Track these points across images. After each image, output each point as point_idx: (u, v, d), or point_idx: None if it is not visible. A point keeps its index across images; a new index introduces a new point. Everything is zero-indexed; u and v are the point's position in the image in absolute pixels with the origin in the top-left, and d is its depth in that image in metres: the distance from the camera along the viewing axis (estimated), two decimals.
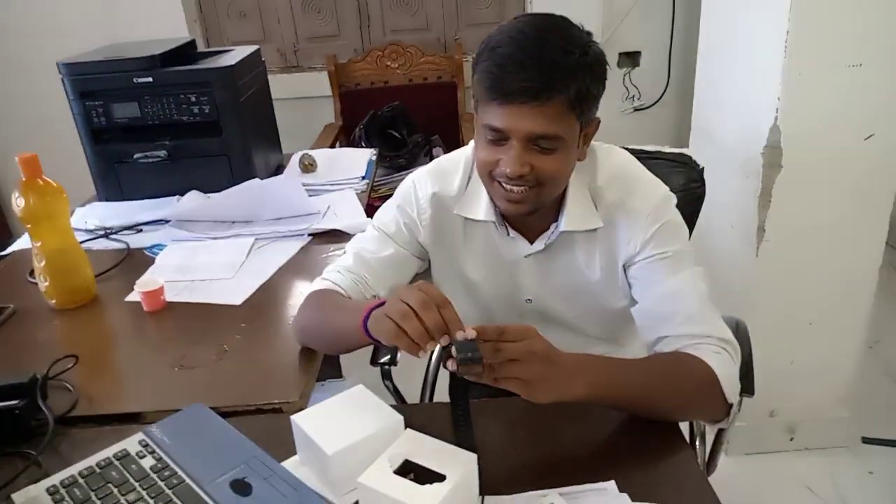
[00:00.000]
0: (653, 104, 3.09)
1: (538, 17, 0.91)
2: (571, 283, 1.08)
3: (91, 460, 0.84)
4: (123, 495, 0.79)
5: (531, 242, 1.06)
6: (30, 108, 2.91)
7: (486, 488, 0.79)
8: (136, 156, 1.67)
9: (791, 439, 1.97)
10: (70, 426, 0.96)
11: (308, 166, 1.90)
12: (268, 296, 1.30)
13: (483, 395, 0.94)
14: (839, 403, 1.95)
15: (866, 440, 1.98)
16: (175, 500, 0.78)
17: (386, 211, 1.13)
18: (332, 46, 3.01)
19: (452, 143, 2.91)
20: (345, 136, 2.89)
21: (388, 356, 1.30)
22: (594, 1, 2.81)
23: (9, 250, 1.56)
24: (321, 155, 1.97)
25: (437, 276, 1.17)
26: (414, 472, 0.77)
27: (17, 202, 1.20)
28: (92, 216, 1.65)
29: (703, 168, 1.39)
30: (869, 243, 1.79)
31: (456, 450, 0.78)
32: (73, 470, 0.83)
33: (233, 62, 1.69)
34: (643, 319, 1.02)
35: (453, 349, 0.76)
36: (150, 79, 1.64)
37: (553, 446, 0.88)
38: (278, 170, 1.95)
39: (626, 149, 1.12)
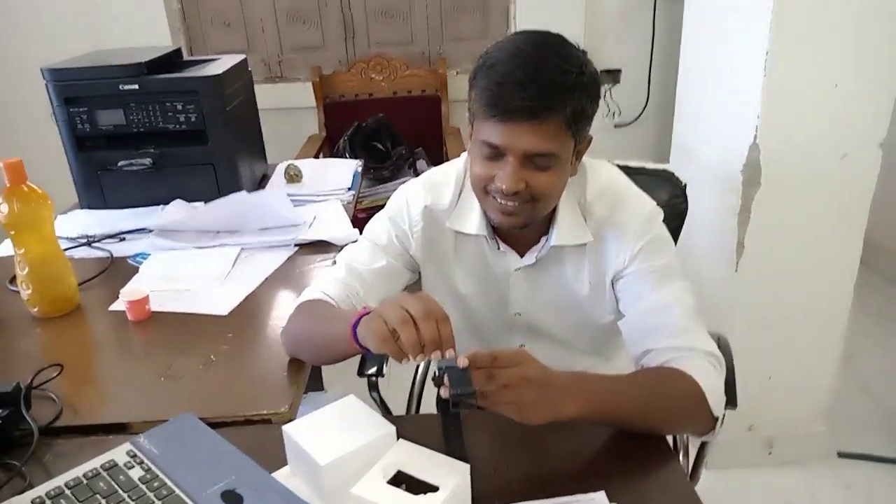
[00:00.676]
0: (633, 121, 3.14)
1: (535, 35, 0.93)
2: (560, 297, 1.09)
3: (78, 471, 0.83)
4: None
5: (521, 256, 1.07)
6: (11, 115, 2.87)
7: (478, 499, 0.79)
8: (120, 163, 1.66)
9: (769, 453, 2.00)
10: (55, 437, 0.94)
11: (293, 177, 1.89)
12: (254, 306, 1.29)
13: (472, 407, 0.94)
14: (816, 418, 1.99)
15: (842, 454, 2.01)
16: None
17: (378, 223, 1.13)
18: (316, 58, 3.02)
19: (436, 156, 2.93)
20: (329, 147, 2.90)
21: (375, 368, 1.29)
22: (576, 18, 2.86)
23: None
24: (307, 166, 1.97)
25: (427, 289, 1.18)
26: (407, 482, 0.77)
27: (1, 209, 1.19)
28: (75, 224, 1.63)
29: (685, 185, 1.42)
30: (845, 260, 1.83)
31: (449, 460, 0.78)
32: (60, 481, 0.82)
33: (220, 71, 1.69)
34: (630, 332, 1.03)
35: (446, 378, 0.76)
36: (136, 86, 1.63)
37: (543, 457, 0.88)
38: (263, 180, 1.94)
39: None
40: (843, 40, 1.60)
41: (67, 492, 0.80)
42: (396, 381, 1.40)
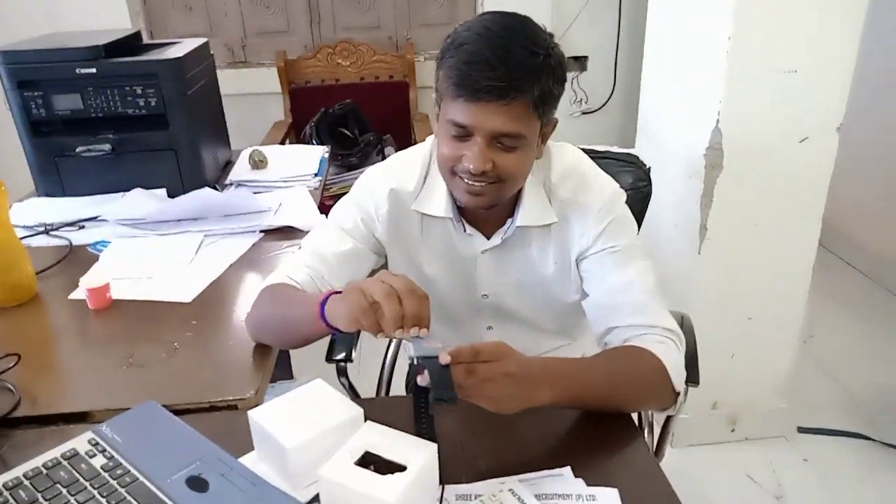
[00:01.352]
0: (599, 108, 3.17)
1: (504, 16, 0.93)
2: (526, 278, 1.10)
3: (37, 461, 0.81)
4: (73, 495, 0.77)
5: (487, 238, 1.08)
6: None
7: (446, 478, 0.80)
8: (78, 149, 1.61)
9: (732, 430, 2.05)
10: (12, 427, 0.92)
11: (258, 163, 1.87)
12: (219, 293, 1.28)
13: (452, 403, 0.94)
14: (777, 395, 2.04)
15: (802, 430, 2.08)
16: (129, 498, 0.76)
17: (343, 207, 1.12)
18: (281, 42, 2.98)
19: (404, 142, 2.92)
20: (295, 133, 2.86)
21: (344, 353, 1.29)
22: (543, 5, 2.86)
23: None
24: (272, 151, 1.95)
25: (394, 272, 1.18)
26: (375, 463, 0.77)
27: None
28: (31, 212, 1.59)
29: (650, 168, 1.43)
30: (803, 242, 1.88)
31: (416, 440, 0.79)
32: (18, 472, 0.80)
33: (180, 54, 1.65)
34: (593, 311, 1.05)
35: (426, 373, 0.76)
36: (93, 70, 1.58)
37: (510, 436, 0.89)
38: (227, 166, 1.91)
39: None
40: (802, 27, 1.63)
41: (26, 482, 0.78)
42: (365, 366, 1.40)
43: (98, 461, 0.81)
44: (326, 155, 2.01)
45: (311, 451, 0.78)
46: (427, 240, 1.11)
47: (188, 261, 1.38)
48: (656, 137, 2.08)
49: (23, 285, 1.25)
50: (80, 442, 0.85)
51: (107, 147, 1.62)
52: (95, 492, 0.77)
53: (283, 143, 2.69)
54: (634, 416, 1.08)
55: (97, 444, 0.84)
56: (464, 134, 0.93)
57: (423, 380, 0.77)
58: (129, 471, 0.80)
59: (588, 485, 0.80)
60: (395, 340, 1.48)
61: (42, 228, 1.52)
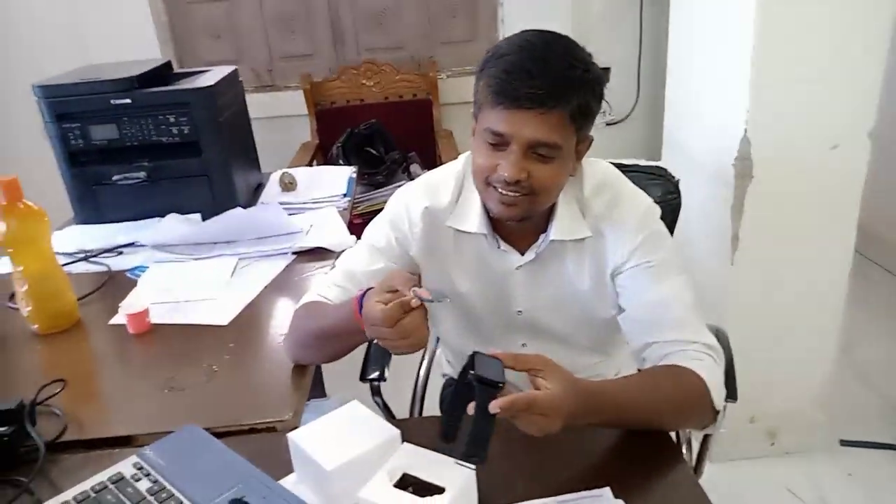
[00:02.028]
0: (623, 119, 3.16)
1: (545, 32, 0.95)
2: (561, 294, 1.10)
3: (85, 485, 0.83)
4: None
5: (522, 254, 1.08)
6: (4, 131, 2.87)
7: (483, 499, 0.80)
8: (114, 177, 1.66)
9: (772, 444, 2.01)
10: (60, 452, 0.94)
11: (288, 185, 1.90)
12: (254, 315, 1.30)
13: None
14: (816, 408, 2.00)
15: (844, 443, 2.03)
16: None
17: (376, 226, 1.14)
18: (306, 65, 3.03)
19: (429, 159, 2.94)
20: (322, 154, 2.90)
21: (377, 372, 1.30)
22: (563, 17, 2.87)
23: None
24: (301, 173, 1.97)
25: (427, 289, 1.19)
26: (413, 485, 0.77)
27: None
28: (71, 239, 1.63)
29: (678, 180, 1.43)
30: (838, 250, 1.85)
31: (453, 462, 0.79)
32: (68, 496, 0.82)
33: (212, 82, 1.69)
34: (630, 327, 1.04)
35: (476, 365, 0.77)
36: (128, 100, 1.63)
37: (548, 456, 0.89)
38: (258, 189, 1.94)
39: None
40: (828, 31, 1.62)
41: None
42: (399, 385, 1.40)
43: (143, 485, 0.83)
44: (354, 175, 2.03)
45: (350, 472, 0.78)
46: (460, 257, 1.12)
47: (224, 284, 1.41)
48: (683, 148, 2.07)
49: (65, 312, 1.28)
50: (126, 466, 0.86)
51: (142, 174, 1.66)
52: None
53: (310, 163, 2.73)
54: (672, 434, 1.07)
55: (142, 467, 0.86)
56: (500, 142, 0.94)
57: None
58: (174, 494, 0.81)
59: None
60: (427, 359, 1.49)
61: (82, 255, 1.57)
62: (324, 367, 2.02)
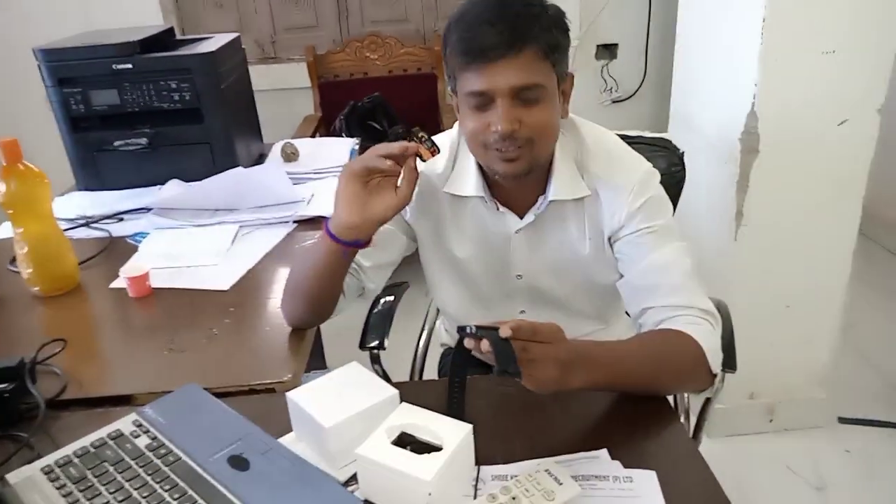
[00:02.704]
0: (630, 96, 3.13)
1: None
2: (561, 258, 1.10)
3: (85, 440, 0.84)
4: (120, 473, 0.79)
5: (521, 218, 1.08)
6: (6, 98, 2.86)
7: (481, 459, 0.80)
8: (116, 143, 1.65)
9: (770, 420, 2.01)
10: (61, 409, 0.95)
11: (290, 155, 1.89)
12: (255, 281, 1.30)
13: (477, 371, 0.95)
14: (816, 385, 2.00)
15: (843, 420, 2.03)
16: (172, 476, 0.78)
17: None
18: (310, 37, 3.00)
19: (433, 134, 2.91)
20: (325, 127, 2.88)
21: (377, 341, 1.30)
22: None
23: None
24: (303, 144, 1.96)
25: (424, 256, 1.18)
26: (411, 443, 0.77)
27: None
28: (72, 206, 1.63)
29: (683, 153, 1.41)
30: (843, 227, 1.83)
31: (451, 421, 0.79)
32: (68, 450, 0.82)
33: (213, 48, 1.68)
34: (628, 291, 1.04)
35: (488, 344, 0.75)
36: (129, 65, 1.62)
37: (546, 418, 0.89)
38: (260, 159, 1.93)
39: None
40: (839, 5, 1.59)
41: (75, 460, 0.81)
42: (397, 353, 1.41)
43: (142, 441, 0.84)
44: (356, 146, 2.02)
45: (348, 430, 0.79)
46: (457, 222, 1.11)
47: (225, 250, 1.40)
48: (690, 122, 2.05)
49: (66, 275, 1.28)
50: (125, 423, 0.87)
51: (143, 141, 1.65)
52: (140, 470, 0.79)
53: (313, 136, 2.71)
54: (671, 401, 1.07)
55: (141, 424, 0.86)
56: (484, 102, 0.94)
57: (480, 347, 0.76)
58: (172, 450, 0.82)
59: (625, 466, 0.79)
60: (426, 329, 1.49)
61: (83, 221, 1.56)
62: (324, 337, 2.03)
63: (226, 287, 1.26)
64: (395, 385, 0.87)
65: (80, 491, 0.76)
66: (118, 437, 0.85)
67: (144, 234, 1.50)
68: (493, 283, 1.15)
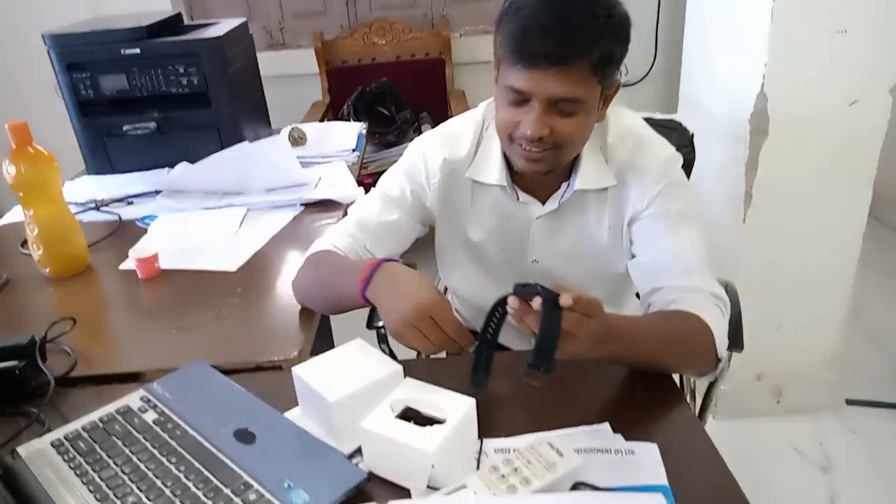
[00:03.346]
0: (640, 80, 3.10)
1: None
2: (579, 245, 1.10)
3: (94, 415, 0.85)
4: (127, 447, 0.80)
5: (543, 204, 1.07)
6: (16, 83, 2.88)
7: (484, 432, 0.81)
8: (125, 128, 1.66)
9: (777, 402, 2.01)
10: (70, 386, 0.96)
11: (298, 140, 1.89)
12: (262, 263, 1.31)
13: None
14: (824, 366, 2.00)
15: (850, 402, 2.03)
16: (180, 450, 0.79)
17: (392, 175, 1.13)
18: (318, 23, 2.99)
19: (441, 120, 2.85)
20: (333, 113, 2.88)
21: None
22: None
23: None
24: (311, 129, 1.97)
25: (440, 238, 1.19)
26: (414, 417, 0.78)
27: (8, 170, 1.20)
28: (82, 190, 1.64)
29: (692, 134, 1.41)
30: (853, 209, 1.82)
31: (454, 394, 0.79)
32: (77, 425, 0.84)
33: (221, 33, 1.68)
34: (640, 272, 1.04)
35: (539, 303, 0.74)
36: (137, 50, 1.62)
37: (549, 393, 0.89)
38: None
39: None
40: None
41: (84, 434, 0.82)
42: None
43: (150, 416, 0.85)
44: (364, 131, 2.03)
45: (353, 405, 0.79)
46: (477, 207, 1.11)
47: (232, 233, 1.41)
48: (699, 104, 2.03)
49: (76, 256, 1.30)
50: (133, 399, 0.88)
51: (152, 125, 1.66)
52: (148, 443, 0.80)
53: (321, 122, 2.72)
54: (676, 380, 1.07)
55: (149, 400, 0.88)
56: (521, 99, 0.92)
57: (522, 315, 0.76)
58: (180, 425, 0.83)
59: (627, 439, 0.80)
60: None
61: (93, 205, 1.58)
62: (332, 317, 2.04)
63: (233, 268, 1.27)
64: (401, 362, 0.88)
65: (89, 464, 0.78)
66: (126, 412, 0.86)
67: (153, 217, 1.51)
68: (507, 267, 1.15)
